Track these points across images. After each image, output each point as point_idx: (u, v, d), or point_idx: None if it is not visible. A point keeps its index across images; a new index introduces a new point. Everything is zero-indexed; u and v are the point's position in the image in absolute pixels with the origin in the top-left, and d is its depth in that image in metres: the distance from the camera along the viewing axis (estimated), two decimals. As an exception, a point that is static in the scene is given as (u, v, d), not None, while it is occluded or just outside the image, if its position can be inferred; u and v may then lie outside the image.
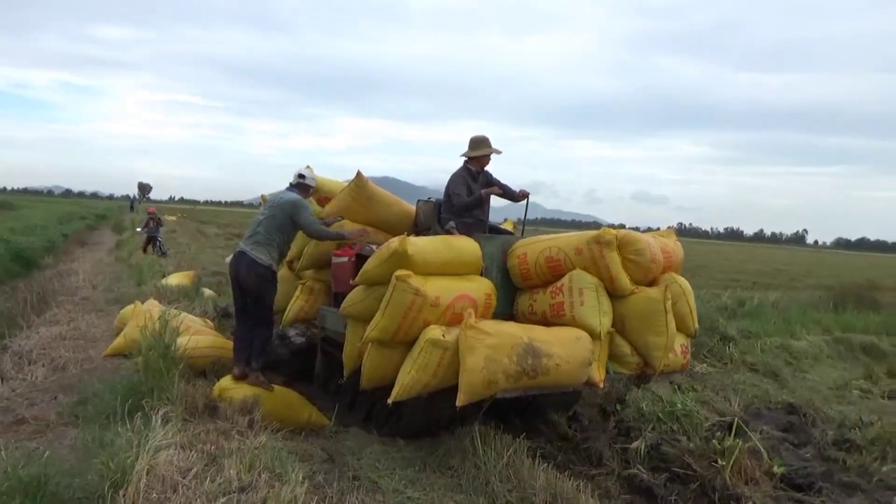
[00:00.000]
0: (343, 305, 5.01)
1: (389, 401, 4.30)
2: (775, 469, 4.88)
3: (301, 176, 5.95)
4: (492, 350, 4.19)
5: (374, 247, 5.40)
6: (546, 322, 4.90)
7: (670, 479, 4.68)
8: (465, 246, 4.94)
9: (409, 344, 4.51)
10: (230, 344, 6.16)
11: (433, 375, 4.32)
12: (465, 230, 5.46)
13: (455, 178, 5.84)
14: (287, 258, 6.37)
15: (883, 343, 9.87)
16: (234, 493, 3.34)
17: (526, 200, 6.10)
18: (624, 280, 4.90)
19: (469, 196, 5.78)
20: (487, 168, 6.01)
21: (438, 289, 4.51)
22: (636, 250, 4.95)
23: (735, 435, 5.01)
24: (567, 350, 4.47)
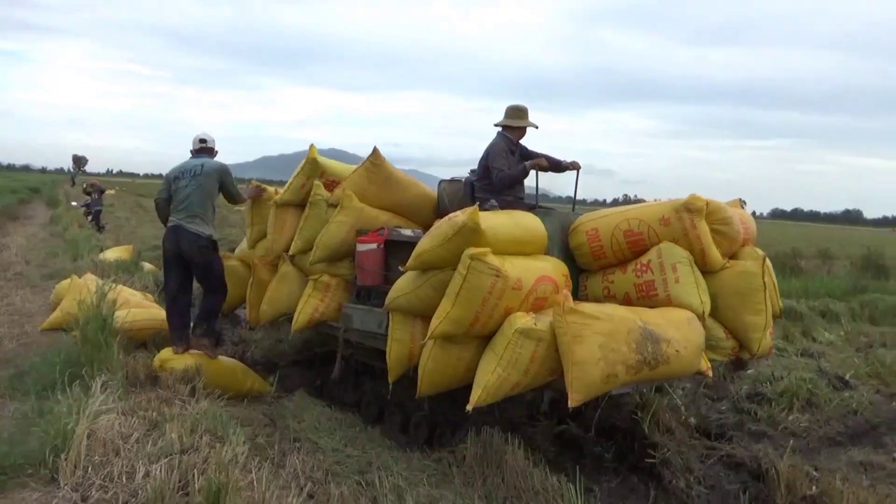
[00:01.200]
0: (390, 297, 4.36)
1: (470, 406, 3.69)
2: (691, 420, 5.28)
3: (202, 140, 5.87)
4: (606, 337, 3.64)
5: (402, 230, 5.15)
6: (630, 306, 4.28)
7: (597, 432, 5.01)
8: (531, 222, 4.39)
9: (485, 338, 3.95)
10: None
11: (525, 372, 3.72)
12: (507, 209, 4.79)
13: (496, 151, 5.22)
14: (291, 251, 5.62)
15: (801, 306, 10.51)
16: (175, 454, 3.45)
17: (576, 174, 5.47)
18: (716, 253, 4.39)
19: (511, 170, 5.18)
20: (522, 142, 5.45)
21: (518, 269, 3.91)
22: (723, 219, 4.47)
23: (657, 391, 5.37)
24: (683, 334, 3.97)
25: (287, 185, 5.89)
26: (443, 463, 4.26)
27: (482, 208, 4.72)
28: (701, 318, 4.15)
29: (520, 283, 3.85)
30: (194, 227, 5.52)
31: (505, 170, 5.12)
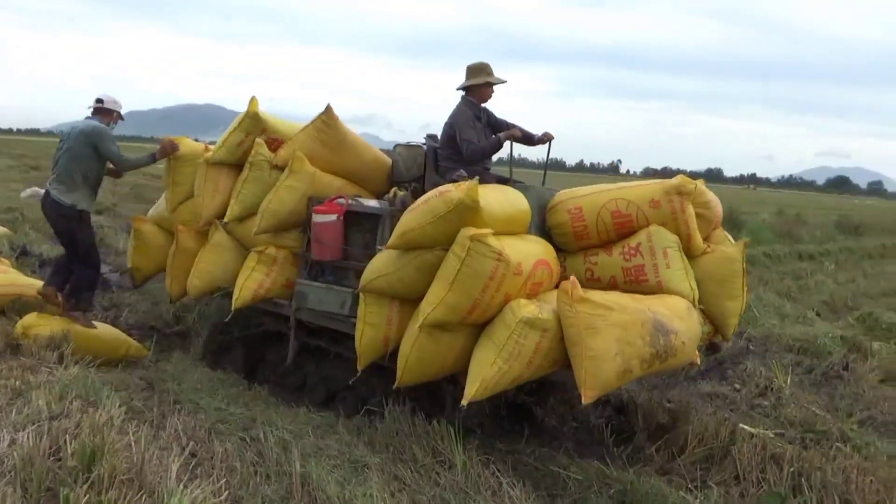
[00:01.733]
0: (366, 278, 3.95)
1: (465, 402, 3.44)
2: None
3: (99, 100, 5.32)
4: (622, 330, 3.40)
5: (361, 201, 4.69)
6: (616, 290, 4.00)
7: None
8: (518, 199, 4.01)
9: (478, 326, 3.69)
10: (31, 281, 5.82)
11: (527, 365, 3.47)
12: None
13: (461, 119, 4.72)
14: (226, 218, 4.98)
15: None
16: (44, 421, 3.31)
17: (548, 145, 5.04)
18: (699, 238, 4.21)
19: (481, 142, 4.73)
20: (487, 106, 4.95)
21: (517, 252, 3.58)
22: (704, 202, 4.31)
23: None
24: (686, 324, 3.76)
25: (220, 141, 5.17)
26: (329, 416, 4.35)
27: (450, 179, 4.44)
28: (692, 305, 3.98)
29: (520, 267, 3.54)
30: (57, 193, 5.14)
31: (475, 142, 4.67)
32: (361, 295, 4.00)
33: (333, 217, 4.50)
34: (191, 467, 3.27)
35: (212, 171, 5.14)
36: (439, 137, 4.94)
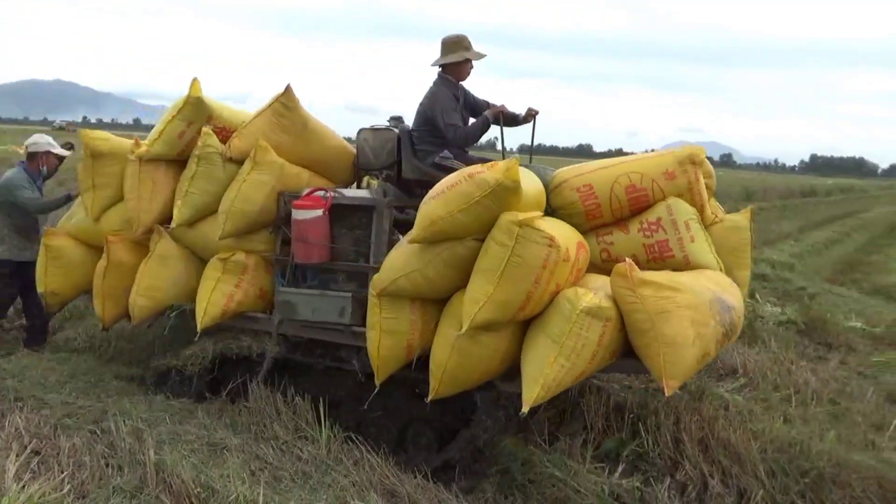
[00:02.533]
0: (384, 278, 3.46)
1: (527, 408, 3.08)
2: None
3: (27, 146, 5.25)
4: (694, 311, 3.15)
5: (345, 191, 4.20)
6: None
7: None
8: (535, 179, 3.69)
9: (521, 324, 3.37)
10: None
11: (591, 360, 3.15)
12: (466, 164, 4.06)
13: (442, 101, 4.36)
14: (174, 222, 4.24)
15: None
16: None
17: (532, 122, 4.67)
18: (709, 208, 4.02)
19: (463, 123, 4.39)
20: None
21: (562, 237, 3.25)
22: (708, 172, 4.11)
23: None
24: (737, 299, 3.57)
25: (155, 132, 4.39)
26: (187, 403, 4.24)
27: (434, 163, 4.18)
28: None
29: (568, 253, 3.22)
30: None
31: (460, 125, 4.34)
32: (374, 299, 3.52)
33: (319, 213, 3.94)
34: (33, 465, 3.12)
35: (147, 169, 4.36)
36: (410, 119, 4.58)
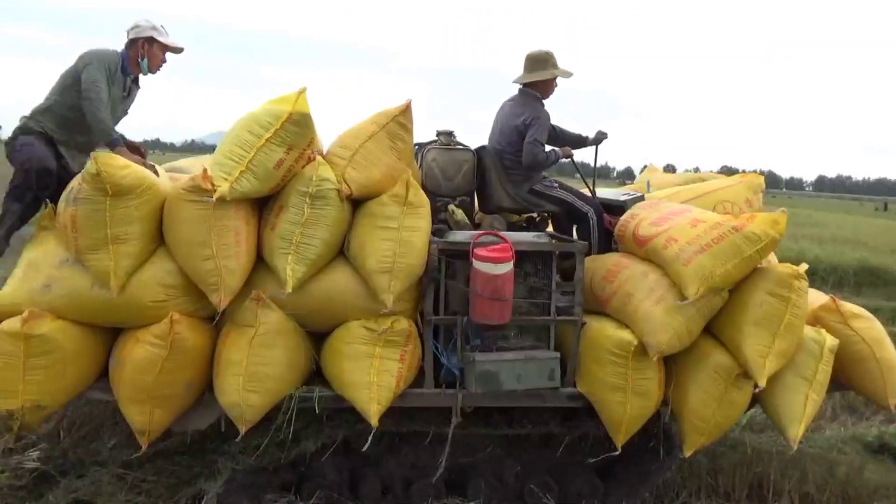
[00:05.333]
0: (661, 340, 3.21)
1: (795, 445, 3.35)
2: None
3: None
4: (884, 334, 3.68)
5: (515, 235, 3.65)
6: None
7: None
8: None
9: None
10: None
11: (824, 391, 3.51)
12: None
13: (545, 122, 4.00)
14: (288, 287, 3.08)
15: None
16: None
17: (595, 148, 4.37)
18: None
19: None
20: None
21: None
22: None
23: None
24: None
25: (232, 160, 3.08)
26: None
27: (535, 191, 4.06)
28: None
29: None
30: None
31: (542, 149, 3.98)
32: (622, 358, 3.27)
33: (510, 266, 3.28)
34: None
35: (226, 214, 3.07)
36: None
